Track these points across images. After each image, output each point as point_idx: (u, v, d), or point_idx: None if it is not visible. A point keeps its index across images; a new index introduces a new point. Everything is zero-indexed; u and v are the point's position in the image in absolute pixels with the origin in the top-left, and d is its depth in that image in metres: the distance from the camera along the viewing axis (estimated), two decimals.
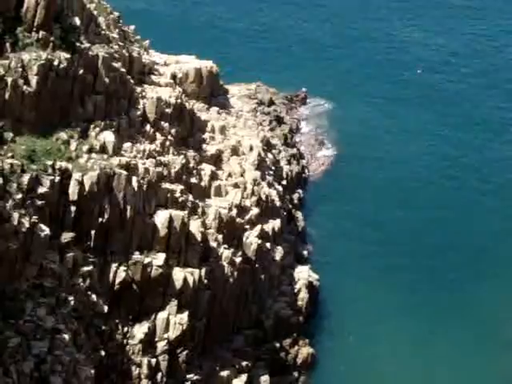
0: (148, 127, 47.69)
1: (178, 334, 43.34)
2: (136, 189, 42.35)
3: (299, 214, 62.95)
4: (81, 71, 42.80)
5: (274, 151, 65.44)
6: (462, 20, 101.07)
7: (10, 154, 37.11)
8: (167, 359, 43.02)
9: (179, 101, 51.39)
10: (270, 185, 57.60)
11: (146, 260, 42.37)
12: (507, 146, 75.23)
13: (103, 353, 39.67)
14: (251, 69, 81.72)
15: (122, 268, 41.56)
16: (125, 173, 41.55)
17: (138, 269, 42.02)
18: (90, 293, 39.52)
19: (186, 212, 45.40)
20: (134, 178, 42.56)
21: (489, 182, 70.12)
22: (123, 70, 46.87)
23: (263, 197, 54.57)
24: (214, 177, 51.89)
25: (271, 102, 74.46)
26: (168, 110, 49.77)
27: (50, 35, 41.43)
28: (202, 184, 50.52)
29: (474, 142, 76.00)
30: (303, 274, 55.55)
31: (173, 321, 43.24)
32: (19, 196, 35.90)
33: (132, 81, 47.93)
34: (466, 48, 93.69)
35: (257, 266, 51.03)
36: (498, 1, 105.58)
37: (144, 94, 48.71)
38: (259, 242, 51.11)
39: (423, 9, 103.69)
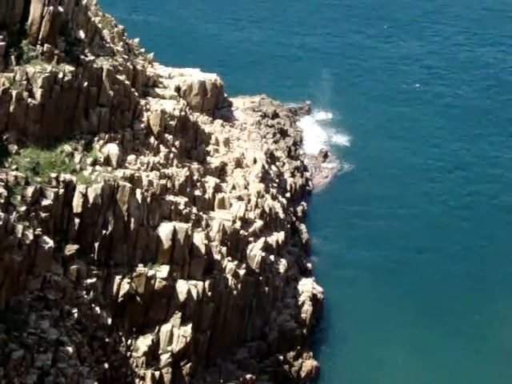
0: (152, 140, 47.74)
1: (182, 347, 43.26)
2: (140, 201, 42.36)
3: (303, 227, 62.91)
4: (85, 84, 42.86)
5: (277, 164, 65.54)
6: (462, 33, 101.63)
7: (14, 167, 37.17)
8: (171, 372, 42.91)
9: (183, 113, 51.46)
10: (273, 197, 57.63)
11: (150, 272, 42.31)
12: None
13: (107, 365, 39.58)
14: (255, 81, 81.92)
15: (126, 280, 41.49)
16: (129, 185, 41.56)
17: (141, 281, 41.98)
18: (93, 305, 39.48)
19: (190, 224, 45.38)
20: (138, 191, 42.58)
21: (501, 194, 70.05)
22: (127, 82, 46.95)
23: (267, 209, 54.59)
24: (217, 189, 51.92)
25: (275, 115, 74.52)
26: (172, 123, 49.84)
27: (54, 48, 41.42)
28: (206, 196, 50.54)
29: (478, 149, 76.32)
30: (307, 287, 55.47)
31: (176, 333, 43.16)
32: (23, 208, 35.93)
33: (136, 93, 48.00)
34: (469, 60, 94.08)
35: (261, 278, 50.98)
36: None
37: (148, 106, 48.79)
38: (263, 254, 51.07)
39: (423, 22, 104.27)
